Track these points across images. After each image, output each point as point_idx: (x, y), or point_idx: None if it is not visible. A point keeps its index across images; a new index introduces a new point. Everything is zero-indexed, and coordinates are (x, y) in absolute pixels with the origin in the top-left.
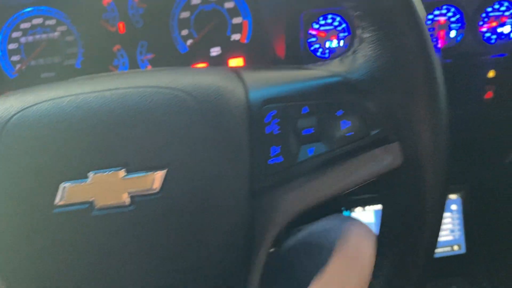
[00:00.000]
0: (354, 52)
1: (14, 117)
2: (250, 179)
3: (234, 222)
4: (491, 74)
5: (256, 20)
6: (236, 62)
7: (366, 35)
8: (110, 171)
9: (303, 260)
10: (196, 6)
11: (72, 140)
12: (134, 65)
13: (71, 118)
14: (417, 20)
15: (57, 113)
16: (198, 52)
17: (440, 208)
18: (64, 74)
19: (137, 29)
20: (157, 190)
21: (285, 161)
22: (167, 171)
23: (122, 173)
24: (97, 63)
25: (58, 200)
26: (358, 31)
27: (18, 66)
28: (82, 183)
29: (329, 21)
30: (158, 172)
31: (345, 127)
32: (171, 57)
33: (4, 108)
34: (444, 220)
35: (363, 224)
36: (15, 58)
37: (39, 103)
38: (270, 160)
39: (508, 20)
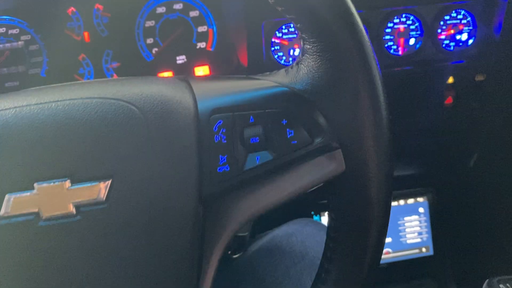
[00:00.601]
0: (297, 63)
1: None
2: (199, 187)
3: (183, 230)
4: (450, 80)
5: (220, 28)
6: (201, 70)
7: (307, 46)
8: (56, 181)
9: (265, 265)
10: (161, 14)
11: (17, 151)
12: (99, 73)
13: (16, 129)
14: (356, 31)
15: (1, 125)
16: (164, 61)
17: (384, 214)
18: (29, 83)
19: (102, 37)
20: (103, 200)
21: (231, 170)
22: (112, 181)
23: (67, 183)
24: (62, 72)
25: (3, 212)
26: (301, 43)
27: None
28: (28, 194)
29: (292, 29)
30: (103, 182)
31: (290, 135)
32: (136, 65)
33: None
34: (412, 223)
35: (325, 227)
36: None
37: None
38: (219, 168)
39: (465, 28)
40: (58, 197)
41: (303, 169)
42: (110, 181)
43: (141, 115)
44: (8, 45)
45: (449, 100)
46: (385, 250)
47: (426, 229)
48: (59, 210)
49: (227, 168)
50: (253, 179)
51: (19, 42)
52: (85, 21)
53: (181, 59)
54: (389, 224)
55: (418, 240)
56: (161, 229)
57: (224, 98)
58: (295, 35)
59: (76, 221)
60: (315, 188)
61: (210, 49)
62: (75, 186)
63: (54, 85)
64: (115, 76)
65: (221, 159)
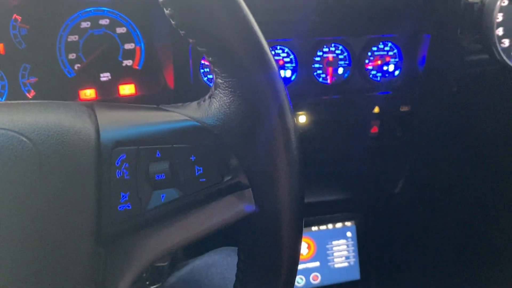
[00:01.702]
0: (210, 97)
1: None
2: (97, 227)
3: (81, 274)
4: (376, 110)
5: (148, 46)
6: (127, 88)
7: (219, 80)
8: None
9: None
10: (85, 29)
11: None
12: (15, 88)
13: None
14: (268, 68)
15: None
16: (86, 77)
17: (295, 254)
18: None
19: (19, 50)
20: None
21: (134, 208)
22: None
23: None
24: None
25: None
26: (214, 76)
27: None
28: None
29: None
30: None
31: (199, 173)
32: (56, 81)
33: None
34: (340, 247)
35: None
36: None
37: None
38: (120, 206)
39: (392, 60)
40: None
41: (211, 209)
42: None
43: (33, 148)
44: None
45: (374, 129)
46: (313, 275)
47: (353, 253)
48: None
49: (128, 206)
50: (158, 219)
51: None
52: (1, 31)
53: (105, 77)
54: (317, 248)
55: (346, 264)
56: (56, 278)
57: (129, 130)
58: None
59: None
60: (224, 228)
61: (137, 67)
62: None
63: None
64: (32, 92)
65: (123, 196)
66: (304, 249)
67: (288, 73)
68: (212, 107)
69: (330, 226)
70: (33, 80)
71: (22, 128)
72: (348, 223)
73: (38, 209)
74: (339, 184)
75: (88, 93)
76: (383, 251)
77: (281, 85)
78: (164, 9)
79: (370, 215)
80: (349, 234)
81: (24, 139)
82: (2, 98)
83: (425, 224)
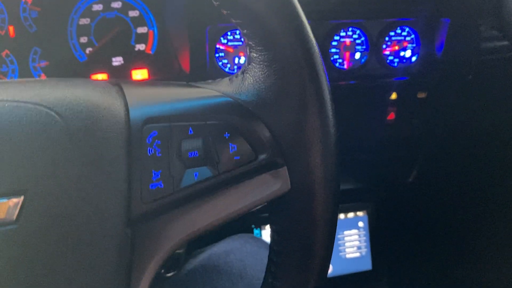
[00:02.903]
0: (243, 72)
1: None
2: (127, 206)
3: (108, 255)
4: (393, 96)
5: (162, 30)
6: (139, 73)
7: (254, 54)
8: None
9: (201, 286)
10: (97, 12)
11: None
12: (25, 72)
13: None
14: (306, 42)
15: None
16: (98, 62)
17: (330, 234)
18: None
19: (30, 33)
20: (12, 220)
21: (166, 187)
22: (24, 199)
23: None
24: None
25: None
26: (247, 50)
27: None
28: None
29: (238, 36)
30: (14, 199)
31: (233, 150)
32: (67, 65)
33: None
34: (352, 237)
35: (267, 244)
36: None
37: None
38: (151, 184)
39: (409, 45)
40: None
41: (245, 188)
42: (22, 198)
43: (63, 123)
44: None
45: (391, 116)
46: None
47: (365, 244)
48: None
49: (160, 185)
50: (190, 198)
51: None
52: (11, 14)
53: (117, 61)
54: None
55: (357, 254)
56: (82, 255)
57: (160, 106)
58: (240, 43)
59: None
60: (258, 207)
61: (150, 52)
62: None
63: None
64: (43, 76)
65: (155, 174)
66: None
67: None
68: (245, 83)
69: (342, 216)
70: (43, 64)
71: (51, 103)
72: (360, 213)
73: (67, 185)
74: (352, 173)
75: (100, 78)
76: (395, 241)
77: (320, 61)
78: None
79: (382, 205)
80: (361, 224)
81: (53, 113)
82: None
83: (438, 214)
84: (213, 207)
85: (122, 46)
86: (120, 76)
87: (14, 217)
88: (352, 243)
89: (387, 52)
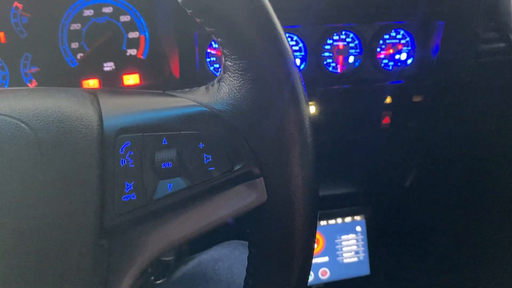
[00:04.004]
0: (218, 81)
1: None
2: (101, 218)
3: (83, 267)
4: (388, 100)
5: (153, 35)
6: (131, 78)
7: (229, 63)
8: None
9: None
10: (88, 18)
11: None
12: (16, 78)
13: None
14: (280, 51)
15: None
16: (89, 67)
17: (309, 245)
18: None
19: (21, 39)
20: None
21: (139, 198)
22: None
23: None
24: None
25: None
26: (222, 59)
27: None
28: None
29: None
30: None
31: (207, 161)
32: (59, 71)
33: None
34: (349, 242)
35: None
36: None
37: None
38: (124, 196)
39: (404, 48)
40: None
41: (220, 199)
42: None
43: (32, 135)
44: None
45: (386, 120)
46: (321, 270)
47: (363, 248)
48: None
49: (133, 196)
50: (164, 209)
51: None
52: (1, 20)
53: (108, 66)
54: (326, 243)
55: (355, 259)
56: (57, 269)
57: (133, 116)
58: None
59: None
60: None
61: (142, 57)
62: None
63: None
64: (34, 82)
65: (127, 186)
66: None
67: (297, 62)
68: (221, 92)
69: (339, 220)
70: (34, 70)
71: (20, 114)
72: (357, 217)
73: (38, 198)
74: (348, 177)
75: (92, 83)
76: (393, 246)
77: (294, 67)
78: None
79: (380, 209)
80: (358, 228)
81: (23, 125)
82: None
83: (436, 218)
84: (187, 219)
85: (114, 51)
86: (111, 81)
87: None
88: (349, 248)
89: (381, 56)
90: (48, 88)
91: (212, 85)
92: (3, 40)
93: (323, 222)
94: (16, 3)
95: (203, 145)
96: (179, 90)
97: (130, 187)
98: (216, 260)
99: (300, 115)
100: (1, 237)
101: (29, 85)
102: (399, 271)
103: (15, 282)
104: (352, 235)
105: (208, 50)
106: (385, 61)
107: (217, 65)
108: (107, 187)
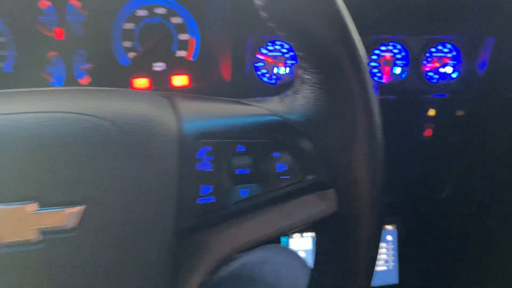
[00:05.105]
0: (294, 92)
1: None
2: (176, 219)
3: (156, 264)
4: (431, 112)
5: (203, 38)
6: (180, 79)
7: (307, 76)
8: (18, 204)
9: None
10: (141, 18)
11: None
12: (69, 74)
13: None
14: (359, 67)
15: None
16: (140, 66)
17: (373, 258)
18: None
19: (76, 36)
20: (71, 227)
21: (213, 203)
22: (84, 208)
23: (31, 207)
24: (30, 69)
25: None
26: (300, 71)
27: None
28: None
29: (278, 47)
30: (73, 208)
31: (281, 169)
32: (110, 69)
33: None
34: (380, 250)
35: (299, 257)
36: None
37: None
38: (199, 199)
39: (450, 62)
40: (19, 222)
41: (291, 207)
42: (81, 207)
43: (120, 136)
44: None
45: (428, 132)
46: None
47: (393, 258)
48: (19, 236)
49: (208, 200)
50: (236, 214)
51: None
52: (59, 17)
53: (159, 66)
54: None
55: (384, 268)
56: (132, 262)
57: (212, 122)
58: (280, 53)
59: (38, 249)
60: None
61: (191, 59)
62: (41, 211)
63: (19, 90)
64: (86, 78)
65: (203, 189)
66: None
67: None
68: (296, 102)
69: None
70: (87, 66)
71: (109, 114)
72: (389, 227)
73: (122, 195)
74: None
75: (142, 82)
76: (424, 257)
77: (371, 85)
78: (255, 1)
79: (412, 219)
80: (389, 237)
81: (112, 127)
82: (59, 83)
83: (470, 232)
84: (258, 225)
85: (164, 52)
86: (160, 82)
87: (74, 225)
88: (379, 256)
89: (427, 68)
90: (128, 90)
91: (287, 96)
92: (59, 37)
93: None
94: (73, 1)
95: (278, 154)
96: (251, 99)
97: (207, 190)
98: (262, 262)
99: (373, 129)
100: (91, 230)
101: (82, 81)
102: (427, 282)
103: (97, 275)
104: (383, 244)
105: (257, 56)
106: (431, 73)
107: (264, 70)
108: (183, 190)
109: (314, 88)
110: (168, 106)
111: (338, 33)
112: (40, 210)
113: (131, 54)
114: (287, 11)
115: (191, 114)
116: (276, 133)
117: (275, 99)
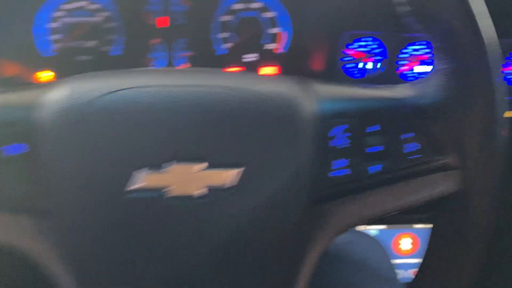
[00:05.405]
0: (427, 79)
1: (101, 100)
2: (310, 188)
3: (292, 226)
4: (509, 114)
5: (295, 31)
6: (270, 70)
7: (441, 66)
8: (190, 163)
9: (325, 268)
10: (238, 11)
11: (158, 129)
12: (170, 60)
13: (156, 108)
14: (489, 58)
15: (142, 101)
16: (234, 56)
17: (487, 239)
18: (100, 59)
19: (178, 25)
20: (232, 186)
21: (346, 175)
22: (243, 170)
23: (201, 166)
24: (135, 53)
25: (135, 185)
26: (435, 60)
27: (56, 45)
28: (161, 171)
29: (364, 43)
30: (235, 169)
31: (410, 149)
32: (207, 57)
33: (88, 89)
34: None
35: (380, 243)
36: (55, 37)
37: (124, 89)
38: (334, 172)
39: None
40: (190, 178)
41: (415, 185)
42: (241, 169)
43: (275, 112)
44: (86, 19)
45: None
46: (412, 270)
47: None
48: (189, 190)
49: (342, 172)
50: (363, 188)
51: (98, 18)
52: (164, 7)
53: (250, 57)
54: (420, 246)
55: None
56: (274, 220)
57: (346, 104)
58: (369, 49)
59: (203, 202)
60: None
61: (281, 51)
62: (209, 170)
63: (185, 68)
64: (185, 65)
65: (338, 163)
66: (407, 244)
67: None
68: (428, 89)
69: None
70: (187, 54)
71: (263, 93)
72: None
73: (272, 163)
74: None
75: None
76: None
77: (499, 72)
78: None
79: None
80: None
81: (267, 105)
82: None
83: None
84: (384, 199)
85: (257, 44)
86: (251, 71)
87: (234, 183)
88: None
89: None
90: (271, 76)
91: (418, 82)
92: (164, 25)
93: (420, 226)
94: None
95: (408, 135)
96: (382, 85)
97: (341, 164)
98: (348, 243)
99: (500, 119)
100: (247, 189)
101: (180, 66)
102: (485, 281)
103: (244, 229)
104: None
105: (345, 51)
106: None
107: (351, 65)
108: (318, 163)
109: (447, 76)
110: (306, 87)
111: (472, 29)
112: (208, 169)
113: (227, 45)
114: (429, 7)
115: (326, 96)
116: (407, 115)
117: (407, 85)
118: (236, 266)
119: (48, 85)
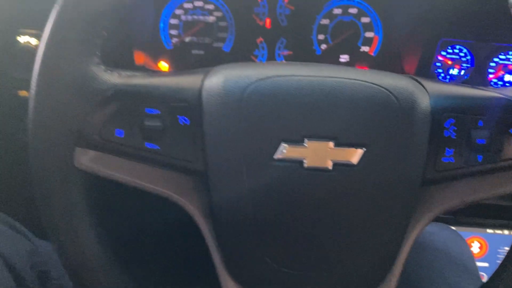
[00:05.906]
0: None
1: (253, 85)
2: (423, 170)
3: (401, 203)
4: None
5: (386, 36)
6: None
7: None
8: (323, 140)
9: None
10: (336, 15)
11: (298, 111)
12: (271, 58)
13: (301, 94)
14: None
15: (289, 88)
16: (329, 57)
17: None
18: (212, 54)
19: (281, 26)
20: (355, 163)
21: (454, 162)
22: (365, 150)
23: (331, 144)
24: (241, 50)
25: (277, 156)
26: None
27: (175, 39)
28: (299, 146)
29: (457, 50)
30: (359, 149)
31: (509, 144)
32: (305, 56)
33: (245, 76)
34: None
35: (459, 234)
36: (173, 32)
37: (274, 76)
38: (443, 158)
39: None
40: (322, 153)
41: (509, 177)
42: (364, 150)
43: (397, 102)
44: (202, 17)
45: None
46: (480, 274)
47: None
48: (320, 163)
49: (451, 159)
50: (469, 174)
51: (211, 17)
52: (270, 9)
53: (344, 58)
54: (489, 250)
55: None
56: (390, 198)
57: (457, 100)
58: (458, 57)
59: (331, 175)
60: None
61: (372, 54)
62: (337, 148)
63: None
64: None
65: (448, 151)
66: (476, 248)
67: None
68: None
69: (506, 232)
70: (286, 52)
71: (388, 86)
72: None
73: (391, 146)
74: None
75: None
76: None
77: None
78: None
79: None
80: None
81: (391, 96)
82: None
83: None
84: (483, 186)
85: (350, 47)
86: None
87: (357, 161)
88: None
89: None
90: (391, 73)
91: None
92: (268, 26)
93: (490, 231)
94: None
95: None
96: (490, 87)
97: (450, 152)
98: (430, 233)
99: None
100: (367, 168)
101: None
102: None
103: (362, 204)
104: None
105: (437, 57)
106: None
107: (440, 70)
108: (432, 150)
109: None
110: (419, 85)
111: None
112: (336, 147)
113: (323, 46)
114: None
115: (438, 93)
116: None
117: (509, 88)
118: (351, 233)
119: (203, 71)
